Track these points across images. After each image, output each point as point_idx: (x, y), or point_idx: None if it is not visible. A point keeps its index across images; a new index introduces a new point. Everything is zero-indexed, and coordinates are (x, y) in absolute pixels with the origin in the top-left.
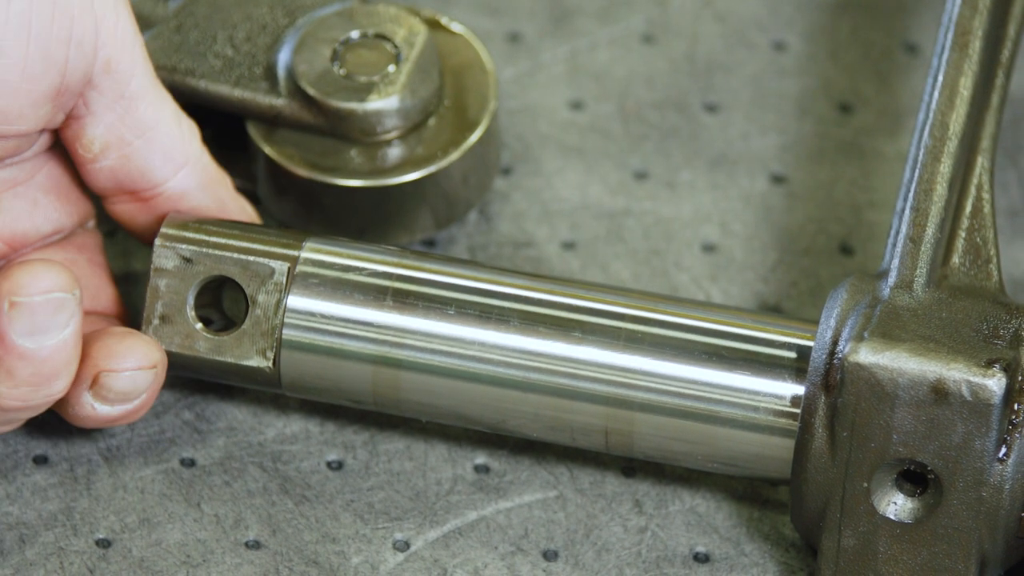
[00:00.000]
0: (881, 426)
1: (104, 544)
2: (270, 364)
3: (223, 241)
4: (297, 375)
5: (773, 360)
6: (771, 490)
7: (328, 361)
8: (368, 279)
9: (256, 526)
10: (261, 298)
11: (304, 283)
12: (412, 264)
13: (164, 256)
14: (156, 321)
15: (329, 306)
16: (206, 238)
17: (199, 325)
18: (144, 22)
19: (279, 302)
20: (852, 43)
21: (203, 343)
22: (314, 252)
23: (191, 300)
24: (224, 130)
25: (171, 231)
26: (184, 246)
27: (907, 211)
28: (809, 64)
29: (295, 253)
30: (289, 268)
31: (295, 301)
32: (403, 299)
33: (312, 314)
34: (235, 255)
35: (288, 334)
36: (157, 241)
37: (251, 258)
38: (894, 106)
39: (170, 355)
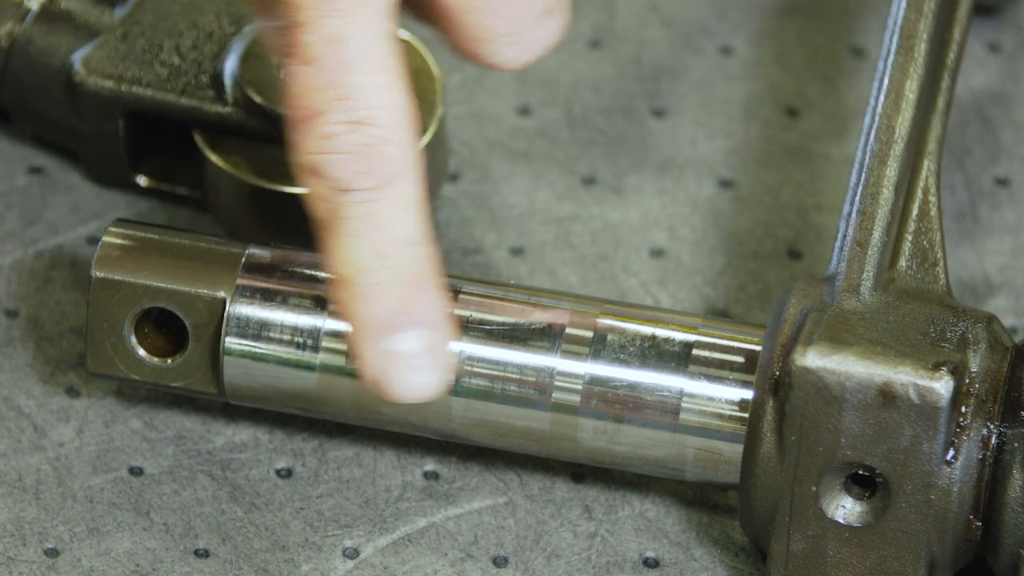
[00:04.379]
0: (829, 430)
1: (53, 554)
2: (216, 390)
3: (159, 268)
4: (241, 384)
5: (721, 364)
6: (721, 495)
7: (272, 369)
8: (311, 286)
9: (205, 534)
10: (202, 326)
11: (247, 293)
12: None
13: (100, 286)
14: (97, 346)
15: (272, 315)
16: (141, 267)
17: (141, 352)
18: (90, 31)
19: (221, 326)
20: (798, 47)
21: (147, 370)
22: (256, 260)
23: (129, 330)
24: (171, 138)
25: (107, 254)
26: (119, 277)
27: (853, 215)
28: (756, 68)
29: (237, 261)
30: (229, 292)
31: (238, 310)
32: None
33: (255, 323)
34: (170, 286)
35: (231, 343)
36: (93, 270)
37: (187, 289)
38: (841, 109)
39: (115, 379)
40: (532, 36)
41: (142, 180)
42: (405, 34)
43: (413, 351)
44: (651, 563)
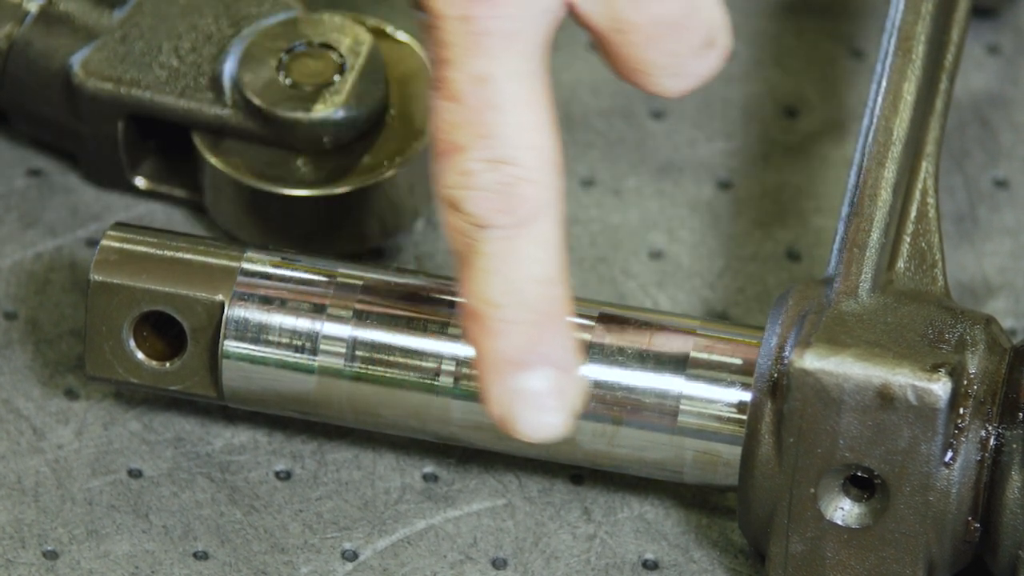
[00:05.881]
0: (827, 431)
1: (52, 556)
2: (214, 393)
3: (156, 271)
4: (240, 387)
5: (719, 366)
6: (720, 496)
7: (270, 372)
8: (309, 289)
9: (204, 537)
10: (200, 330)
11: (245, 296)
12: (354, 274)
13: (99, 290)
14: (96, 349)
15: (271, 318)
16: (139, 271)
17: (140, 355)
18: (88, 33)
19: (219, 329)
20: (797, 49)
21: (146, 373)
22: (255, 263)
23: (128, 333)
24: (169, 141)
25: (105, 258)
26: (117, 281)
27: (851, 216)
28: (755, 70)
29: (235, 265)
30: (227, 295)
31: (236, 313)
32: (345, 310)
33: (253, 326)
34: (169, 289)
35: (230, 346)
36: (91, 274)
37: (186, 292)
38: (840, 111)
39: (114, 382)
40: (691, 68)
41: (141, 182)
42: (404, 36)
43: (540, 390)
44: (650, 565)
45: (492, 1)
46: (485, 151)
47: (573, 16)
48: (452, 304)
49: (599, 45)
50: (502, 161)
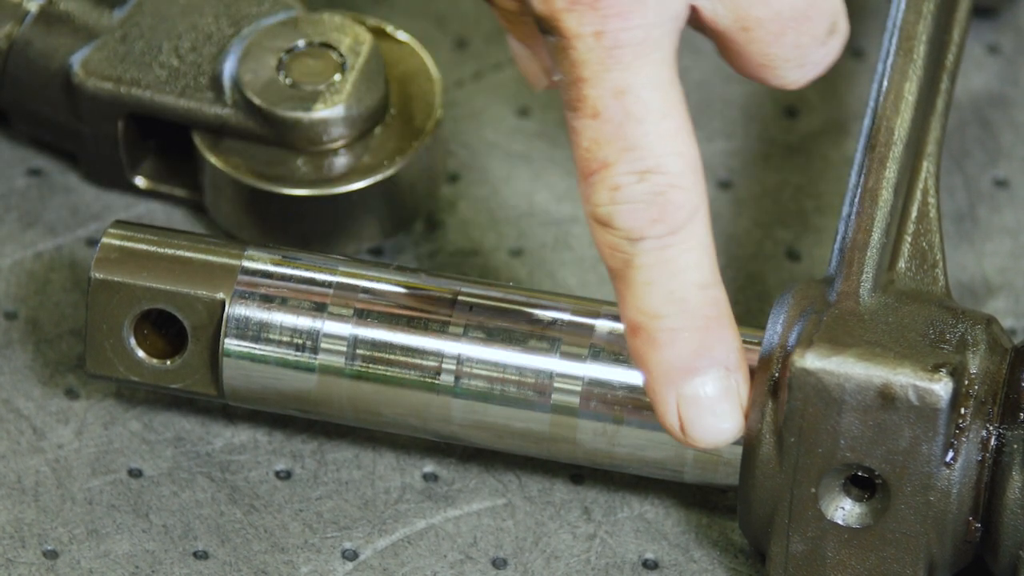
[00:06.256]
0: (828, 431)
1: (52, 556)
2: (215, 392)
3: (158, 270)
4: (240, 386)
5: None
6: (720, 496)
7: (271, 371)
8: (310, 288)
9: (205, 536)
10: (201, 328)
11: (246, 294)
12: (355, 273)
13: (99, 287)
14: (97, 347)
15: (271, 316)
16: (140, 268)
17: (141, 353)
18: (89, 32)
19: (220, 328)
20: None
21: (146, 371)
22: (255, 262)
23: (128, 331)
24: (170, 140)
25: (106, 255)
26: (118, 279)
27: (852, 216)
28: None
29: (236, 263)
30: (228, 294)
31: (237, 312)
32: (346, 308)
33: (254, 325)
34: (169, 287)
35: (230, 344)
36: (92, 272)
37: (186, 290)
38: (840, 111)
39: (114, 380)
40: (815, 57)
41: (141, 182)
42: (404, 36)
43: (713, 394)
44: (650, 565)
45: (624, 14)
46: (632, 163)
47: (696, 19)
48: (453, 303)
49: (722, 46)
50: (650, 171)
